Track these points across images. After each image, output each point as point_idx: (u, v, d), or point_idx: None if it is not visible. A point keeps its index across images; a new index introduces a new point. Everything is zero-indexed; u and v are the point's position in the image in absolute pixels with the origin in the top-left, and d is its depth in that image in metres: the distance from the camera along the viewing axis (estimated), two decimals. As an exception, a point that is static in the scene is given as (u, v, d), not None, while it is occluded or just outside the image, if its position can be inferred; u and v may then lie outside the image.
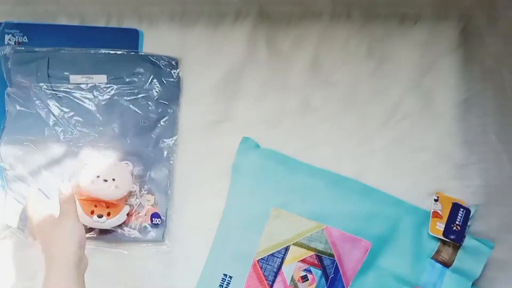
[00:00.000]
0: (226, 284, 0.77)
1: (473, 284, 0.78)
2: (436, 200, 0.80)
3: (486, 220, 0.81)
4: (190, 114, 0.84)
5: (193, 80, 0.85)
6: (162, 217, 0.81)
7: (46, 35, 0.83)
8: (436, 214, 0.79)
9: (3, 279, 0.79)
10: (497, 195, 0.82)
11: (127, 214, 0.79)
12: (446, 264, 0.78)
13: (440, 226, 0.78)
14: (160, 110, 0.83)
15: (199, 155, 0.83)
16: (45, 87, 0.81)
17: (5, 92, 0.81)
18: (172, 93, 0.84)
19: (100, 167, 0.77)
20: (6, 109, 0.81)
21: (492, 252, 0.78)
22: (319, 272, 0.77)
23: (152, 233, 0.80)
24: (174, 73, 0.84)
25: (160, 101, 0.83)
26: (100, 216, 0.77)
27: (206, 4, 0.86)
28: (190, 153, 0.84)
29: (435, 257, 0.78)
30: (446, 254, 0.78)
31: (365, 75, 0.85)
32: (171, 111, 0.84)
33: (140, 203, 0.81)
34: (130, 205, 0.80)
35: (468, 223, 0.79)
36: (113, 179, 0.77)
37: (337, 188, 0.80)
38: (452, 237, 0.77)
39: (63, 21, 0.85)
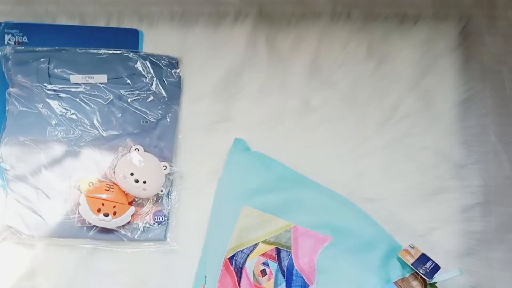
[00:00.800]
0: (204, 283, 0.77)
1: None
2: (412, 247, 0.75)
3: (486, 220, 0.82)
4: (190, 114, 0.85)
5: (193, 80, 0.85)
6: (165, 215, 0.81)
7: (46, 35, 0.83)
8: (407, 251, 0.73)
9: (3, 279, 0.79)
10: (496, 195, 0.83)
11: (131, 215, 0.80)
12: None
13: (410, 258, 0.72)
14: (160, 110, 0.83)
15: (200, 155, 0.84)
16: (46, 87, 0.81)
17: (6, 92, 0.81)
18: (173, 92, 0.84)
19: (137, 166, 0.79)
20: (7, 109, 0.81)
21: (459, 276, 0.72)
22: (275, 265, 0.75)
23: (155, 232, 0.81)
24: (174, 73, 0.84)
25: (161, 101, 0.83)
26: (106, 215, 0.77)
27: (206, 4, 0.86)
28: (190, 153, 0.84)
29: (399, 283, 0.72)
30: (408, 285, 0.72)
31: (365, 75, 0.85)
32: (172, 110, 0.84)
33: (143, 202, 0.81)
34: (136, 204, 0.80)
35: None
36: (144, 182, 0.78)
37: (316, 196, 0.78)
38: (420, 271, 0.71)
39: (63, 21, 0.85)
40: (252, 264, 0.75)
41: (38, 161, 0.79)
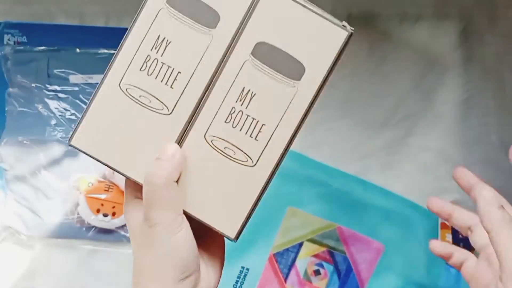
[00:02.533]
0: (244, 275, 0.79)
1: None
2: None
3: (486, 220, 0.82)
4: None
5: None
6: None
7: (45, 35, 0.83)
8: (444, 225, 0.79)
9: (3, 279, 0.79)
10: (497, 195, 0.82)
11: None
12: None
13: (449, 237, 0.78)
14: (160, 110, 0.83)
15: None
16: (45, 87, 0.81)
17: (6, 92, 0.81)
18: (172, 93, 0.84)
19: None
20: (6, 109, 0.81)
21: None
22: (331, 267, 0.78)
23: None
24: (174, 73, 0.84)
25: (160, 101, 0.83)
26: (105, 215, 0.77)
27: (206, 4, 0.85)
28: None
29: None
30: None
31: (365, 75, 0.85)
32: (171, 111, 0.84)
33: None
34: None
35: None
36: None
37: (353, 190, 0.81)
38: (461, 244, 0.77)
39: (62, 21, 0.84)
40: (303, 263, 0.79)
41: (37, 161, 0.79)
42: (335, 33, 0.35)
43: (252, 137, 0.35)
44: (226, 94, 0.35)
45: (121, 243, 0.80)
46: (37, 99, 0.80)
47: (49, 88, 0.81)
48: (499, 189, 0.83)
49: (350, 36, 0.35)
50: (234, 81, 0.35)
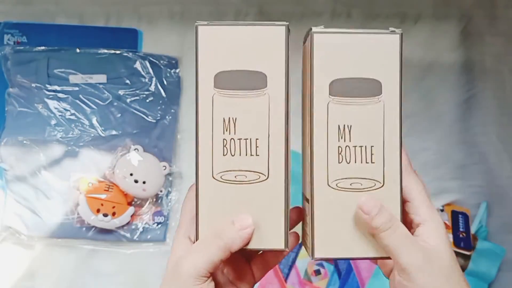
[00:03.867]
0: None
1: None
2: (442, 211, 0.80)
3: (486, 220, 0.82)
4: (190, 114, 0.84)
5: (193, 80, 0.85)
6: (164, 216, 0.81)
7: (45, 35, 0.83)
8: (444, 225, 0.79)
9: (3, 279, 0.79)
10: (497, 195, 0.82)
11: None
12: (462, 268, 0.78)
13: (449, 237, 0.78)
14: (160, 110, 0.83)
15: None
16: (45, 87, 0.81)
17: (6, 92, 0.81)
18: (172, 92, 0.84)
19: (136, 166, 0.78)
20: (6, 109, 0.80)
21: (504, 255, 0.78)
22: (332, 267, 0.79)
23: (154, 233, 0.80)
24: (174, 72, 0.84)
25: (160, 101, 0.83)
26: (105, 215, 0.77)
27: (205, 4, 0.85)
28: (190, 153, 0.84)
29: None
30: (461, 258, 0.78)
31: (365, 75, 0.85)
32: (172, 111, 0.83)
33: (142, 202, 0.81)
34: (135, 205, 0.80)
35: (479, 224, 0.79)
36: (144, 182, 0.78)
37: None
38: (462, 245, 0.78)
39: (62, 21, 0.84)
40: (304, 263, 0.79)
41: (37, 161, 0.79)
42: (389, 40, 0.37)
43: (368, 162, 0.37)
44: (327, 140, 0.38)
45: (121, 243, 0.80)
46: (37, 99, 0.80)
47: (49, 88, 0.81)
48: (498, 189, 0.84)
49: (401, 36, 0.37)
50: (327, 125, 0.38)
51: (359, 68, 0.37)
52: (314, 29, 0.37)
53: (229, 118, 0.37)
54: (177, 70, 0.84)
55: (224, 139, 0.38)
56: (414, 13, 0.86)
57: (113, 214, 0.78)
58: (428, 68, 0.86)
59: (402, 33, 0.37)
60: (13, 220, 0.78)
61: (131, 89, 0.82)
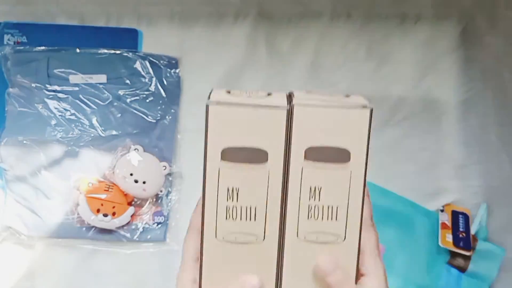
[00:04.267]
0: None
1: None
2: (442, 211, 0.80)
3: (486, 221, 0.82)
4: (190, 114, 0.84)
5: (193, 80, 0.85)
6: (164, 216, 0.81)
7: (45, 35, 0.83)
8: (444, 225, 0.79)
9: (3, 279, 0.79)
10: (497, 195, 0.82)
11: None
12: (462, 269, 0.78)
13: (449, 237, 0.78)
14: (160, 110, 0.83)
15: (200, 155, 0.83)
16: (45, 87, 0.81)
17: (6, 92, 0.81)
18: (172, 93, 0.84)
19: (136, 166, 0.78)
20: (6, 109, 0.80)
21: (504, 255, 0.78)
22: None
23: (154, 233, 0.80)
24: (174, 72, 0.84)
25: (160, 101, 0.83)
26: (105, 215, 0.77)
27: (206, 4, 0.85)
28: (190, 153, 0.84)
29: (451, 262, 0.79)
30: (461, 258, 0.78)
31: (365, 75, 0.85)
32: (172, 111, 0.84)
33: (142, 202, 0.81)
34: (135, 205, 0.80)
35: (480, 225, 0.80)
36: (144, 182, 0.78)
37: None
38: (461, 245, 0.78)
39: (62, 21, 0.84)
40: None
41: (37, 162, 0.79)
42: (360, 114, 0.43)
43: (333, 220, 0.42)
44: (300, 198, 0.42)
45: (121, 243, 0.80)
46: (37, 99, 0.80)
47: (49, 88, 0.81)
48: (498, 189, 0.84)
49: (371, 111, 0.43)
50: (301, 186, 0.42)
51: (333, 137, 0.42)
52: (295, 100, 0.41)
53: (233, 188, 0.42)
54: (177, 70, 0.84)
55: (227, 206, 0.42)
56: (414, 13, 0.86)
57: (113, 214, 0.78)
58: (428, 68, 0.86)
59: (372, 109, 0.42)
60: (13, 220, 0.78)
61: (131, 89, 0.82)
